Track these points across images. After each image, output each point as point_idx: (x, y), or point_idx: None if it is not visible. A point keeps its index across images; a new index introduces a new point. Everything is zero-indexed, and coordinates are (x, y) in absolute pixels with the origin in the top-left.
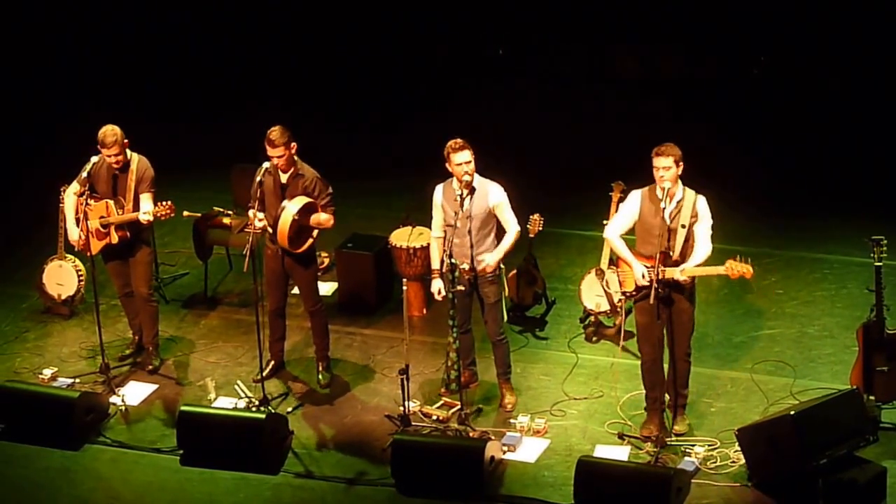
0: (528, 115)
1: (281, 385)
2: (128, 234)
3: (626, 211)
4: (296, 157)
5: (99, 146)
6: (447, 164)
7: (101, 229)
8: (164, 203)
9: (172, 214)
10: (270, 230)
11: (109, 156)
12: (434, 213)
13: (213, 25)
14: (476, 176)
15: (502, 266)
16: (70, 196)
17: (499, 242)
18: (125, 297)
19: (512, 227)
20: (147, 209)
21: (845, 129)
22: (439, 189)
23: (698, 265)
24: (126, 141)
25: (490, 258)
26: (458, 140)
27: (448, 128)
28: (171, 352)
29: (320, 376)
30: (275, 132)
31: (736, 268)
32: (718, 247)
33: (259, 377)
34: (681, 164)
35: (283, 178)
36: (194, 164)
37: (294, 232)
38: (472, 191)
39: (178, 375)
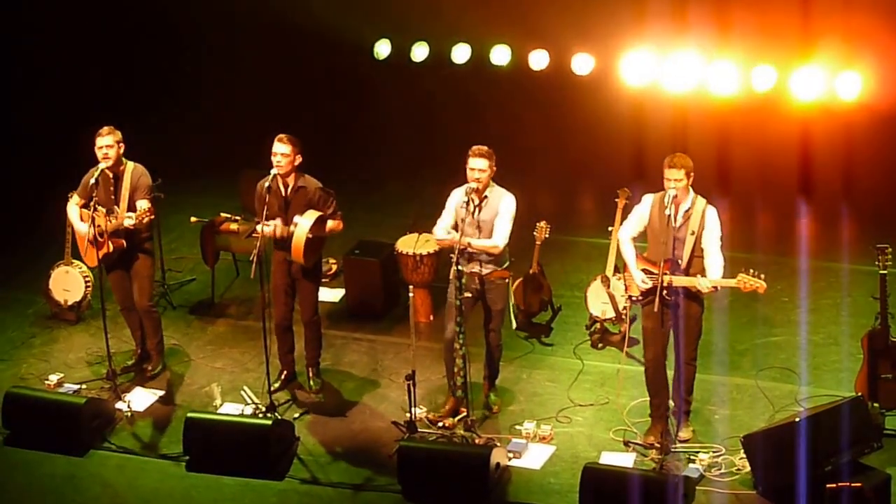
0: (535, 122)
1: (287, 391)
2: (123, 242)
3: (637, 214)
4: (298, 172)
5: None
6: (466, 166)
7: (99, 238)
8: (143, 209)
9: (152, 216)
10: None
11: (101, 147)
12: (444, 213)
13: (220, 29)
14: (494, 186)
15: (511, 274)
16: (73, 207)
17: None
18: (125, 310)
19: (495, 239)
20: (131, 214)
21: (850, 133)
22: (458, 192)
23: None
24: (122, 145)
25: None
26: (482, 147)
27: (454, 134)
28: (176, 358)
29: (311, 382)
30: (288, 135)
31: (748, 282)
32: (724, 254)
33: (273, 388)
34: (691, 175)
35: (286, 190)
36: (202, 170)
37: (308, 247)
38: (484, 199)
39: (184, 381)
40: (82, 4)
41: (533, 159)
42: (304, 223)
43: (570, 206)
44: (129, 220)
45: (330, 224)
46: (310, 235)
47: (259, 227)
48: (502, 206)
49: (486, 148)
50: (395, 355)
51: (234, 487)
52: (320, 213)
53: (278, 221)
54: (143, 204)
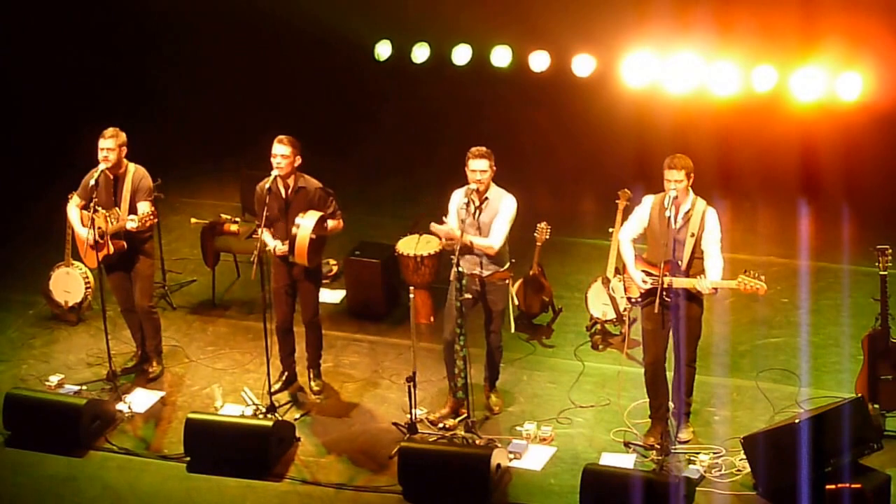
0: (535, 124)
1: (288, 393)
2: (124, 244)
3: (637, 215)
4: (298, 173)
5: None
6: (466, 168)
7: (100, 240)
8: (146, 212)
9: (155, 220)
10: (278, 245)
11: (102, 149)
12: (448, 218)
13: (220, 29)
14: (494, 186)
15: (511, 275)
16: (73, 208)
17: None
18: (126, 311)
19: (491, 239)
20: (134, 216)
21: (850, 134)
22: (458, 193)
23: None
24: (124, 148)
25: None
26: (481, 148)
27: (455, 135)
28: (177, 359)
29: (313, 384)
30: (288, 136)
31: (748, 283)
32: (724, 255)
33: (273, 389)
34: (692, 175)
35: (286, 191)
36: (202, 170)
37: (311, 248)
38: (485, 200)
39: (185, 382)
40: (82, 5)
41: (533, 160)
42: (306, 224)
43: (571, 207)
44: (131, 224)
45: (330, 224)
46: (313, 236)
47: (259, 230)
48: (502, 206)
49: (485, 148)
50: (396, 356)
51: (234, 489)
52: (321, 214)
53: (278, 243)
54: (144, 207)
